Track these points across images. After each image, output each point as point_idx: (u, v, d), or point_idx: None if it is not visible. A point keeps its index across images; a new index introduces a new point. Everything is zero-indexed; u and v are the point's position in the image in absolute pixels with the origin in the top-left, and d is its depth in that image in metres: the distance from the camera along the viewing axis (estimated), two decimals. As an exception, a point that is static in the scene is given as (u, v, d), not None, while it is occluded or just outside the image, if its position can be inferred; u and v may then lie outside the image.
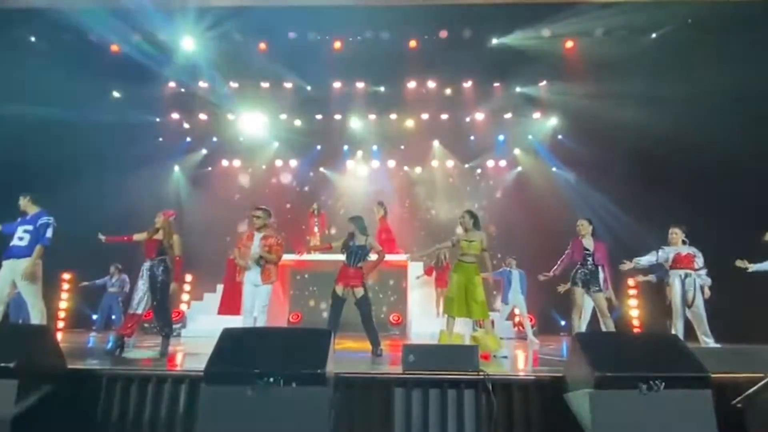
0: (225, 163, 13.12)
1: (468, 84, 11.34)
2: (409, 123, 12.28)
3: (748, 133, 7.82)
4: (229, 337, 2.89)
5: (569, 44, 9.69)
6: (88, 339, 7.49)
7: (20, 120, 8.64)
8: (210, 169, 12.99)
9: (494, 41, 9.73)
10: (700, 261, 5.64)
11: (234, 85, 11.43)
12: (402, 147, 12.76)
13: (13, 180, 6.28)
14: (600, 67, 9.41)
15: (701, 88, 8.11)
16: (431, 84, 11.34)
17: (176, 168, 12.66)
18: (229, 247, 9.16)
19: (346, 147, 12.93)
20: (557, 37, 9.50)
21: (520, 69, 10.19)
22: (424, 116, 12.13)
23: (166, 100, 11.60)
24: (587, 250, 5.51)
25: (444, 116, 12.12)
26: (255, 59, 10.08)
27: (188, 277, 10.60)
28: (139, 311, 5.16)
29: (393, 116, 12.17)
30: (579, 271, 5.50)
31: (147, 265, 5.22)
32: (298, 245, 8.06)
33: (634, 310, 10.02)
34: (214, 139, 12.63)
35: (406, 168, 13.21)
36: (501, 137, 12.61)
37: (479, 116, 12.04)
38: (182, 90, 11.46)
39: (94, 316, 10.03)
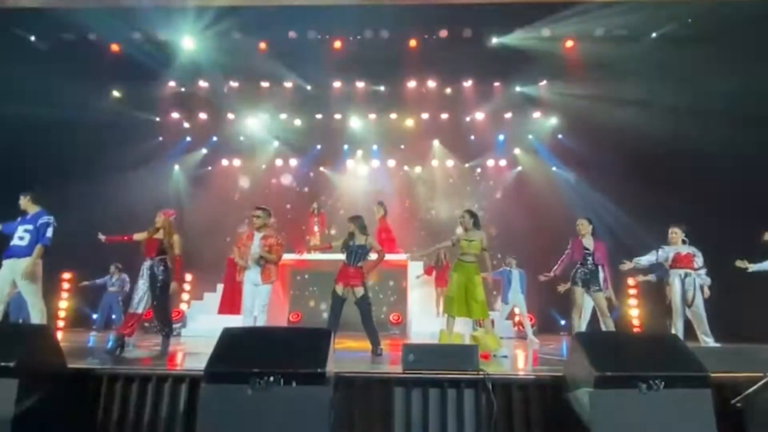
0: (225, 162, 13.13)
1: (468, 83, 11.33)
2: (409, 122, 12.28)
3: (749, 133, 7.82)
4: (229, 336, 2.89)
5: (569, 44, 9.68)
6: (88, 338, 7.49)
7: (20, 120, 8.64)
8: (210, 168, 13.00)
9: (494, 41, 9.71)
10: (699, 260, 5.64)
11: (234, 84, 11.43)
12: (402, 146, 12.77)
13: (13, 179, 6.27)
14: (600, 66, 9.40)
15: (701, 87, 8.11)
16: (431, 83, 11.33)
17: (176, 167, 12.67)
18: (229, 247, 9.16)
19: (346, 146, 12.93)
20: (557, 36, 9.50)
21: (520, 68, 10.18)
22: (424, 116, 12.13)
23: (165, 100, 11.60)
24: (587, 249, 5.52)
25: (444, 116, 12.12)
26: (255, 58, 10.07)
27: (188, 277, 10.62)
28: (140, 311, 5.17)
29: (393, 116, 12.17)
30: (579, 270, 5.51)
31: (147, 264, 5.23)
32: (298, 245, 8.06)
33: (634, 310, 10.03)
34: (214, 138, 12.64)
35: (406, 167, 13.21)
36: (501, 137, 12.61)
37: (479, 116, 12.04)
38: (182, 89, 11.46)
39: (95, 316, 10.04)
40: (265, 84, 11.39)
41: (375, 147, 12.91)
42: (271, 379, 2.57)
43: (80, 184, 9.10)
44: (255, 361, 2.66)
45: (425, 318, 8.96)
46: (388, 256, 6.63)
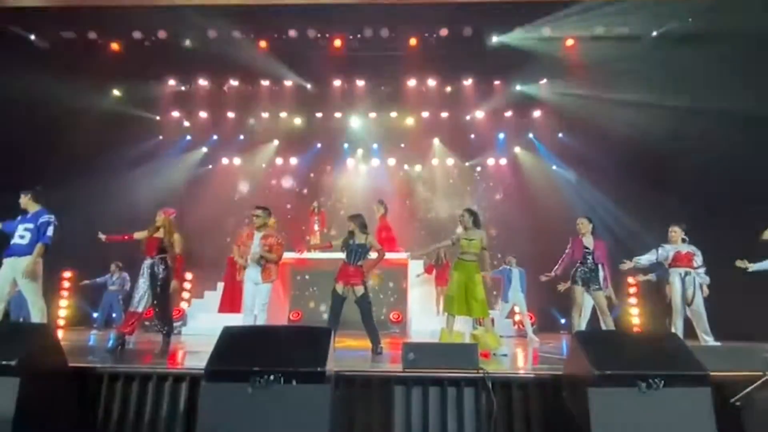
0: (225, 161, 13.13)
1: (468, 82, 11.34)
2: (410, 121, 12.28)
3: (749, 133, 7.81)
4: (229, 335, 2.90)
5: (569, 42, 9.69)
6: (89, 337, 7.50)
7: (20, 119, 8.65)
8: (210, 167, 13.00)
9: (495, 39, 9.72)
10: (699, 259, 5.64)
11: (234, 83, 11.43)
12: (402, 145, 12.78)
13: (13, 178, 6.28)
14: (600, 65, 9.41)
15: (702, 86, 8.10)
16: (431, 82, 11.33)
17: (176, 166, 12.66)
18: (230, 246, 9.17)
19: (346, 145, 12.94)
20: (558, 35, 9.50)
21: (520, 67, 10.18)
22: (425, 114, 12.14)
23: (166, 98, 11.60)
24: (587, 248, 5.52)
25: (444, 114, 12.13)
26: (255, 57, 10.07)
27: (189, 275, 10.62)
28: (140, 309, 5.17)
29: (393, 114, 12.17)
30: (579, 269, 5.51)
31: (148, 263, 5.23)
32: (298, 244, 8.07)
33: (633, 309, 10.03)
34: (215, 137, 12.64)
35: (406, 166, 13.22)
36: (501, 135, 12.62)
37: (479, 114, 12.04)
38: (182, 88, 11.46)
39: (95, 315, 10.05)
40: (265, 82, 11.39)
41: (375, 146, 12.91)
42: (272, 377, 2.58)
43: (80, 182, 9.09)
44: (255, 359, 2.66)
45: (425, 317, 8.98)
46: (388, 255, 6.63)
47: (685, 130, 8.39)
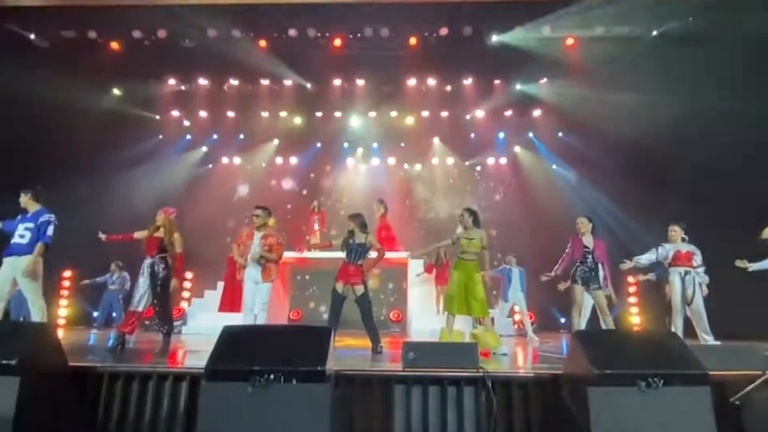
0: (225, 160, 13.13)
1: (468, 81, 11.33)
2: (410, 120, 12.28)
3: (749, 133, 7.81)
4: (229, 334, 2.90)
5: (570, 41, 9.68)
6: (89, 336, 7.50)
7: (20, 118, 8.64)
8: (210, 166, 13.00)
9: (494, 38, 9.71)
10: (698, 258, 5.64)
11: (234, 82, 11.42)
12: (402, 144, 12.78)
13: (13, 177, 6.28)
14: (601, 64, 9.40)
15: (702, 86, 8.09)
16: (431, 81, 11.33)
17: (177, 165, 12.65)
18: (230, 245, 9.17)
19: (346, 144, 12.94)
20: (558, 34, 9.48)
21: (520, 66, 10.18)
22: (425, 113, 12.14)
23: (165, 98, 11.60)
24: (587, 247, 5.53)
25: (444, 113, 12.13)
26: (255, 56, 10.07)
27: (189, 275, 10.62)
28: (140, 308, 5.17)
29: (393, 113, 12.17)
30: (579, 268, 5.51)
31: (148, 262, 5.23)
32: (298, 243, 8.07)
33: (633, 308, 10.04)
34: (215, 136, 12.65)
35: (406, 165, 13.22)
36: (501, 135, 12.62)
37: (480, 113, 12.04)
38: (182, 87, 11.46)
39: (95, 314, 10.04)
40: (265, 82, 11.39)
41: (375, 145, 12.92)
42: (272, 376, 2.58)
43: (81, 181, 9.10)
44: (255, 358, 2.66)
45: (425, 316, 8.98)
46: (388, 254, 6.63)
47: (685, 130, 8.38)
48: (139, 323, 5.40)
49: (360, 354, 5.02)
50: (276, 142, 12.86)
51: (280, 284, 9.35)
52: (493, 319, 5.92)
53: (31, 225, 4.81)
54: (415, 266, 9.60)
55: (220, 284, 9.51)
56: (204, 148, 12.75)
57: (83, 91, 9.42)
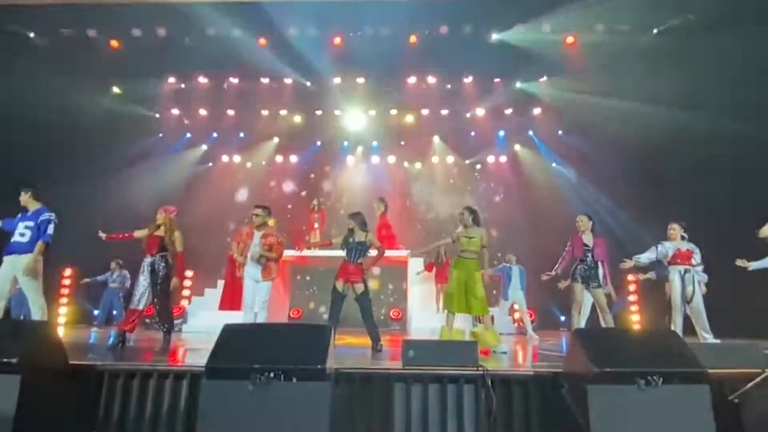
0: (225, 158, 13.13)
1: (468, 79, 11.32)
2: (409, 118, 12.27)
3: (749, 133, 7.80)
4: (229, 332, 2.90)
5: (570, 40, 9.66)
6: (89, 335, 7.51)
7: (20, 116, 8.63)
8: (210, 164, 13.00)
9: (495, 36, 9.70)
10: (698, 257, 5.64)
11: (234, 80, 11.41)
12: (402, 143, 12.78)
13: (13, 176, 6.28)
14: (601, 63, 9.39)
15: (702, 85, 8.08)
16: (431, 79, 11.31)
17: (176, 163, 12.65)
18: (230, 244, 9.18)
19: (346, 143, 12.94)
20: (558, 32, 9.47)
21: (520, 64, 10.17)
22: (425, 112, 12.13)
23: (165, 96, 11.59)
24: (587, 246, 5.53)
25: (444, 112, 12.12)
26: (255, 54, 10.06)
27: (189, 273, 10.62)
28: (141, 307, 5.18)
29: (393, 112, 12.16)
30: (579, 267, 5.52)
31: (148, 260, 5.24)
32: (298, 241, 8.07)
33: (633, 306, 10.05)
34: (214, 134, 12.64)
35: (406, 164, 13.21)
36: (501, 133, 12.61)
37: (480, 112, 12.03)
38: (182, 86, 11.45)
39: (96, 312, 10.05)
40: (264, 80, 11.37)
41: (375, 143, 12.91)
42: (272, 375, 2.58)
43: (80, 180, 9.10)
44: (255, 357, 2.67)
45: (425, 314, 8.99)
46: (388, 253, 6.63)
47: (685, 129, 8.38)
48: (140, 321, 5.41)
49: (360, 352, 5.03)
50: (276, 140, 12.85)
51: (280, 283, 9.36)
52: (492, 318, 5.92)
53: (31, 223, 4.81)
54: (415, 265, 9.60)
55: (221, 282, 9.51)
56: (204, 147, 12.75)
57: (83, 89, 9.41)
